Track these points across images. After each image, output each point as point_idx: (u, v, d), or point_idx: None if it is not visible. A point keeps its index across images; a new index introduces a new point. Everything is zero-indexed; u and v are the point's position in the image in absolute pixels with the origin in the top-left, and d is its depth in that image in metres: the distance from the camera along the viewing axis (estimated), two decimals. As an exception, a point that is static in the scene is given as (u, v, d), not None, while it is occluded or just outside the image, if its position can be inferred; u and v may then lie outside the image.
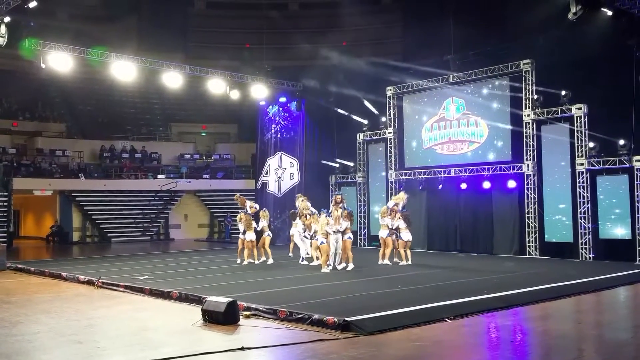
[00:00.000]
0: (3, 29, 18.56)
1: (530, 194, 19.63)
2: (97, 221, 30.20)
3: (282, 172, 28.61)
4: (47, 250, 26.37)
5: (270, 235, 18.06)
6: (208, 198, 32.66)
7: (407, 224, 16.99)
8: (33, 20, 21.05)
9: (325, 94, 26.28)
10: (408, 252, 17.07)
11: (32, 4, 18.24)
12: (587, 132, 18.41)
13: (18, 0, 18.20)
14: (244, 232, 17.27)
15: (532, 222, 19.56)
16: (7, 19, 18.63)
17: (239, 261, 17.44)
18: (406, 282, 13.48)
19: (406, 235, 16.98)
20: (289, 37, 34.63)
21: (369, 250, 22.12)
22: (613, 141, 17.81)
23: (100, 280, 13.90)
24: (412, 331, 8.79)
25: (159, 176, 31.93)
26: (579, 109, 18.49)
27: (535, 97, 19.58)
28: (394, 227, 16.94)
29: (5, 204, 26.97)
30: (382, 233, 16.97)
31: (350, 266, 15.48)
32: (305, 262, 17.20)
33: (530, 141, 19.69)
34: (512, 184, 20.09)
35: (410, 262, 16.84)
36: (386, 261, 16.76)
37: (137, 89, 32.12)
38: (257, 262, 17.27)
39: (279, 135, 29.06)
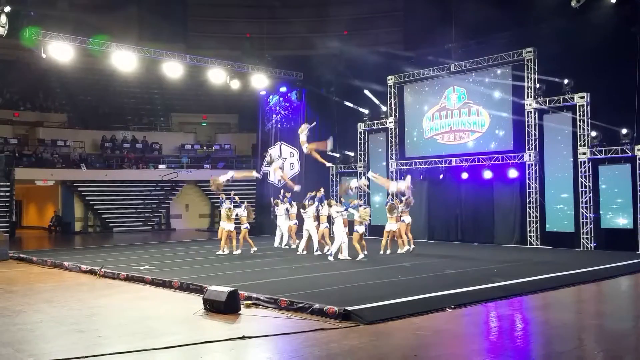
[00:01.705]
0: (3, 18, 18.50)
1: (532, 183, 19.60)
2: (98, 211, 30.25)
3: (282, 162, 28.58)
4: (49, 240, 26.44)
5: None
6: (209, 188, 32.51)
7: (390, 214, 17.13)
8: (33, 10, 20.95)
9: (326, 84, 26.19)
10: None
11: (33, -7, 18.17)
12: (589, 121, 18.33)
13: (18, -11, 18.14)
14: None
15: (533, 212, 19.55)
16: (7, 9, 18.56)
17: (238, 252, 17.49)
18: (406, 271, 13.50)
19: (389, 226, 17.14)
20: (289, 26, 34.43)
21: (369, 239, 22.11)
22: (615, 130, 17.73)
23: (102, 270, 13.94)
24: (413, 320, 8.81)
25: (160, 166, 31.94)
26: (582, 97, 18.41)
27: (538, 86, 19.49)
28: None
29: (7, 194, 27.00)
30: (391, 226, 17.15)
31: (361, 256, 15.66)
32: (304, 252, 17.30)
33: (532, 130, 19.63)
34: (513, 173, 20.05)
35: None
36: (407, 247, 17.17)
37: (137, 79, 32.00)
38: (237, 252, 17.41)
39: (279, 125, 29.01)
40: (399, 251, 17.00)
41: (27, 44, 21.55)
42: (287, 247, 19.08)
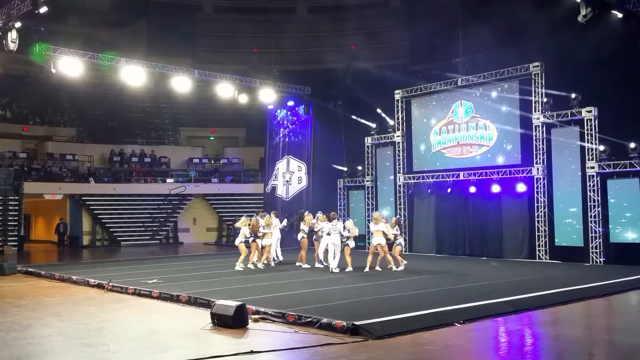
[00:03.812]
0: (14, 34, 18.71)
1: (540, 197, 19.52)
2: (106, 225, 30.33)
3: (290, 175, 28.65)
4: (57, 253, 26.50)
5: None
6: (217, 202, 32.73)
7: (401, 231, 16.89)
8: (44, 26, 21.19)
9: (333, 98, 26.31)
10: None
11: (43, 10, 18.36)
12: (597, 135, 18.28)
13: (29, 5, 18.35)
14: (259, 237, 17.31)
15: (542, 226, 19.45)
16: (18, 25, 18.78)
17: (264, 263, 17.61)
18: (415, 286, 13.44)
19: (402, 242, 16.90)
20: (296, 41, 34.69)
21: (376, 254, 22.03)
22: (624, 144, 17.69)
23: (110, 284, 13.95)
24: (422, 335, 8.76)
25: (168, 180, 32.06)
26: (589, 112, 18.39)
27: (545, 100, 19.49)
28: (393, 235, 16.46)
29: (16, 208, 27.14)
30: (379, 240, 16.23)
31: (349, 269, 16.10)
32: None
33: (540, 144, 19.60)
34: (521, 187, 20.00)
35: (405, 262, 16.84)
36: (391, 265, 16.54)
37: (146, 93, 32.27)
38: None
39: (287, 139, 29.12)
40: (398, 268, 16.38)
41: (37, 60, 21.79)
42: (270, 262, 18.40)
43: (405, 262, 16.71)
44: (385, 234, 16.11)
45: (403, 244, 17.01)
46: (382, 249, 16.19)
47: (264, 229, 17.18)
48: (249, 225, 17.17)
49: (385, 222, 16.54)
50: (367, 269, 16.14)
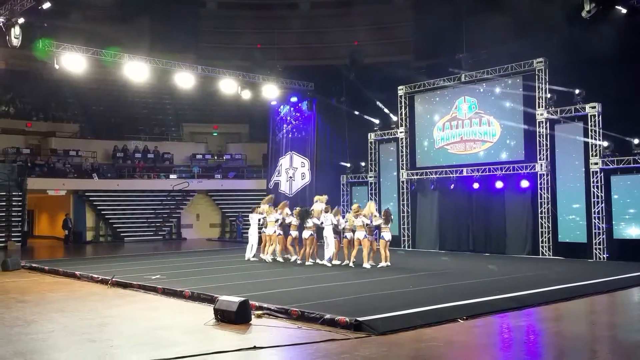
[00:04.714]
0: (17, 30, 18.70)
1: (544, 193, 19.49)
2: (110, 221, 30.41)
3: (293, 171, 28.63)
4: (60, 249, 26.58)
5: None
6: (220, 198, 32.79)
7: (387, 222, 16.26)
8: (47, 22, 21.20)
9: (337, 94, 26.27)
10: (387, 251, 16.28)
11: (46, 5, 18.34)
12: (601, 131, 18.24)
13: (32, 1, 18.34)
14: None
15: (545, 222, 19.43)
16: (21, 20, 18.77)
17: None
18: (418, 282, 13.44)
19: (387, 235, 16.21)
20: (300, 36, 34.68)
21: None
22: (628, 140, 17.65)
23: (113, 279, 13.99)
24: (424, 331, 8.76)
25: (171, 176, 32.12)
26: (593, 107, 18.33)
27: (549, 96, 19.44)
28: (373, 226, 16.14)
29: (19, 203, 27.21)
30: (359, 234, 16.08)
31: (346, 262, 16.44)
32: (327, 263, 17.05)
33: (543, 140, 19.55)
34: (525, 183, 19.97)
35: (389, 262, 16.19)
36: (369, 263, 16.10)
37: (149, 89, 32.30)
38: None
39: (290, 135, 29.09)
40: (382, 264, 16.20)
41: (40, 56, 21.77)
42: (255, 258, 18.23)
43: (388, 263, 16.15)
44: (366, 225, 15.89)
45: (388, 237, 16.18)
46: (364, 242, 15.97)
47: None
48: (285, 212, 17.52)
49: (363, 214, 16.13)
50: (366, 265, 16.03)
